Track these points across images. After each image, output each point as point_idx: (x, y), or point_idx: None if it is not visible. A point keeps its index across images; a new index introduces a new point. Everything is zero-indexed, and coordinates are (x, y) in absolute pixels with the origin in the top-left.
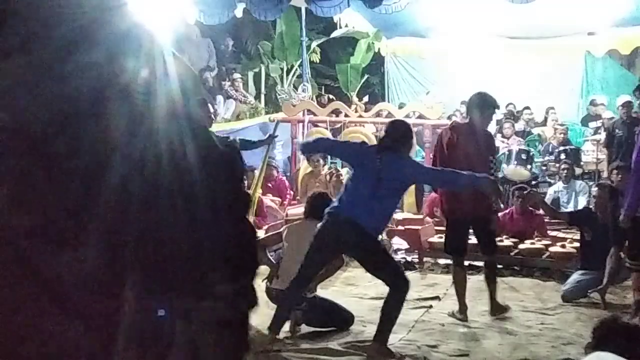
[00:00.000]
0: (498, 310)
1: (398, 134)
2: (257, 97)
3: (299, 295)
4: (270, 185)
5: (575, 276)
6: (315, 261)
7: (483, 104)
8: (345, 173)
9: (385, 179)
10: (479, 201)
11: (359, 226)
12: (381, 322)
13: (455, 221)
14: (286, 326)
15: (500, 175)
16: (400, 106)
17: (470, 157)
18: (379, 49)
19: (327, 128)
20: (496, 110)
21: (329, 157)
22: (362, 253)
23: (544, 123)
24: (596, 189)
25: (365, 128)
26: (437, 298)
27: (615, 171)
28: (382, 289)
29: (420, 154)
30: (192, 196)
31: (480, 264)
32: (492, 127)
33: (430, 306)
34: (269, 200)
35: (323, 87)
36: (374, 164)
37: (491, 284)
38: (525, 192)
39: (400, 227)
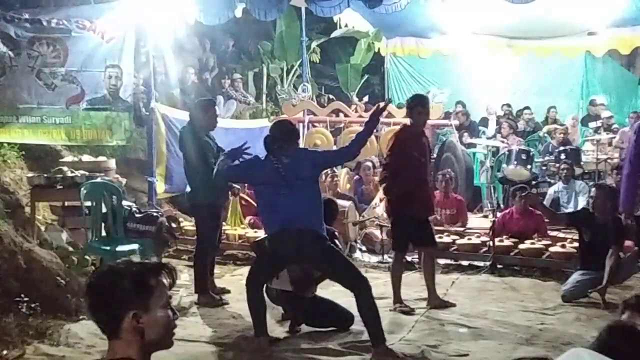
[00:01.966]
0: (434, 301)
1: (284, 134)
2: (259, 97)
3: (260, 296)
4: None
5: (575, 276)
6: (269, 273)
7: (414, 103)
8: (344, 174)
9: (290, 177)
10: (422, 198)
11: (307, 232)
12: (368, 326)
13: (400, 219)
14: (286, 326)
15: (500, 175)
16: (399, 106)
17: (418, 157)
18: (379, 49)
19: (327, 128)
20: (424, 108)
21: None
22: (319, 258)
23: (545, 122)
24: (594, 189)
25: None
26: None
27: (614, 171)
28: (382, 289)
29: None
30: None
31: (480, 263)
32: (492, 128)
33: None
34: None
35: (323, 87)
36: (274, 169)
37: (428, 274)
38: (524, 193)
39: None
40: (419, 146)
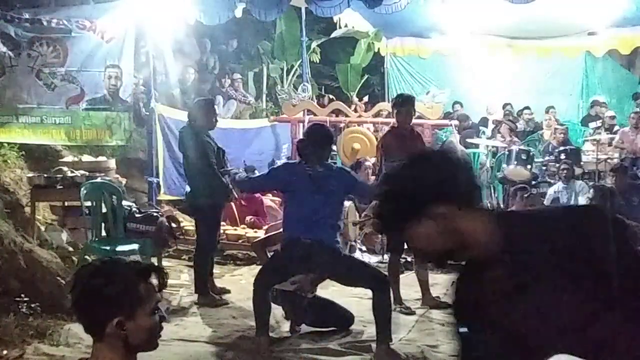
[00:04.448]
0: (429, 301)
1: (318, 138)
2: (259, 97)
3: (266, 297)
4: None
5: None
6: (278, 278)
7: (397, 104)
8: None
9: (321, 189)
10: None
11: (322, 245)
12: (378, 325)
13: None
14: (286, 326)
15: (500, 175)
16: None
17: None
18: (379, 49)
19: None
20: (408, 109)
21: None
22: (334, 271)
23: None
24: (591, 190)
25: (365, 128)
26: (437, 298)
27: (611, 172)
28: None
29: None
30: None
31: None
32: (490, 128)
33: None
34: (269, 200)
35: (323, 87)
36: (306, 175)
37: (421, 276)
38: (526, 195)
39: None
40: (407, 146)
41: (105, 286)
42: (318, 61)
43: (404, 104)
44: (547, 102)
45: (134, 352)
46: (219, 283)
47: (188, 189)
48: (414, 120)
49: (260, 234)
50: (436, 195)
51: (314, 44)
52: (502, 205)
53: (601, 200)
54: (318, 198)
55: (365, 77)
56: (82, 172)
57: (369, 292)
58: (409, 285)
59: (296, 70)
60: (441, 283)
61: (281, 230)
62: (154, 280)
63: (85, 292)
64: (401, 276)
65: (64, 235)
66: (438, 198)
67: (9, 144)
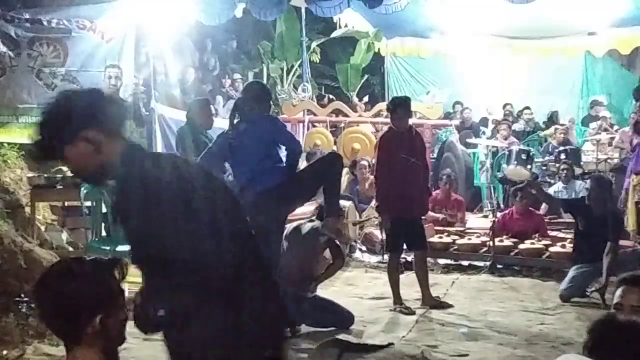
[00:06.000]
0: (429, 301)
1: (250, 95)
2: None
3: None
4: None
5: (570, 273)
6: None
7: (393, 107)
8: (345, 173)
9: (242, 146)
10: (410, 200)
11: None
12: None
13: (392, 220)
14: None
15: (500, 175)
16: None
17: (406, 158)
18: (379, 49)
19: (327, 128)
20: (404, 111)
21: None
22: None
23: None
24: (589, 181)
25: (364, 128)
26: (437, 298)
27: (611, 172)
28: (382, 289)
29: None
30: None
31: (481, 264)
32: (489, 128)
33: None
34: None
35: (323, 87)
36: (226, 145)
37: (421, 276)
38: (526, 182)
39: None
40: (406, 147)
41: (82, 286)
42: (318, 61)
43: (399, 107)
44: (547, 102)
45: (110, 349)
46: None
47: None
48: (415, 120)
49: None
50: (86, 123)
51: (314, 44)
52: (502, 205)
53: (599, 190)
54: (244, 152)
55: (365, 77)
56: None
57: (369, 292)
58: (409, 285)
59: (296, 70)
60: (441, 283)
61: None
62: (117, 273)
63: (64, 295)
64: (401, 276)
65: (64, 235)
66: (87, 125)
67: (9, 144)
